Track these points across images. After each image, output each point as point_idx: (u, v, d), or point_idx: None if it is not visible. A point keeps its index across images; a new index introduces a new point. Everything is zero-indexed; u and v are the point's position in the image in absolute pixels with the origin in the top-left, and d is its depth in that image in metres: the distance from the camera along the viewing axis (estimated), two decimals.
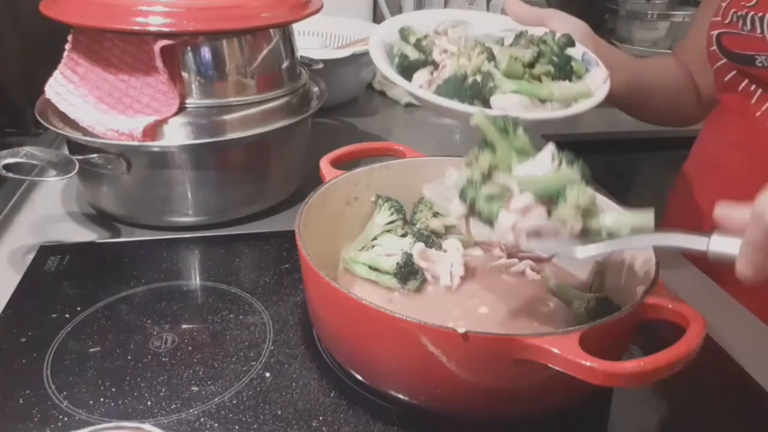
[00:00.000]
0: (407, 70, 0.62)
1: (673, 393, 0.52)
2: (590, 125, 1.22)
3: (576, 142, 1.14)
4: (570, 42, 0.63)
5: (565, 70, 0.61)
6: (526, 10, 0.72)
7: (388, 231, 0.59)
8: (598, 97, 0.60)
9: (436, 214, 0.61)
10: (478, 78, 0.59)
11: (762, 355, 0.56)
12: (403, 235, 0.59)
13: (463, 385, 0.42)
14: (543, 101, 0.60)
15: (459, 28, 0.67)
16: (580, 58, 0.66)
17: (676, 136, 1.05)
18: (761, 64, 0.67)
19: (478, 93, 0.59)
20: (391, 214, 0.59)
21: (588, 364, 0.37)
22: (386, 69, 0.61)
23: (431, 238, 0.59)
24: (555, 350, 0.38)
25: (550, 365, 0.38)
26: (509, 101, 0.58)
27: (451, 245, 0.58)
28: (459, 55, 0.61)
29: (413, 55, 0.63)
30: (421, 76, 0.63)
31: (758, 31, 0.67)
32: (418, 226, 0.60)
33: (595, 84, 0.63)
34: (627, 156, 1.23)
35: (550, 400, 0.45)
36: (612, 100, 0.82)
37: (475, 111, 0.52)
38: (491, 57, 0.60)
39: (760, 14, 0.67)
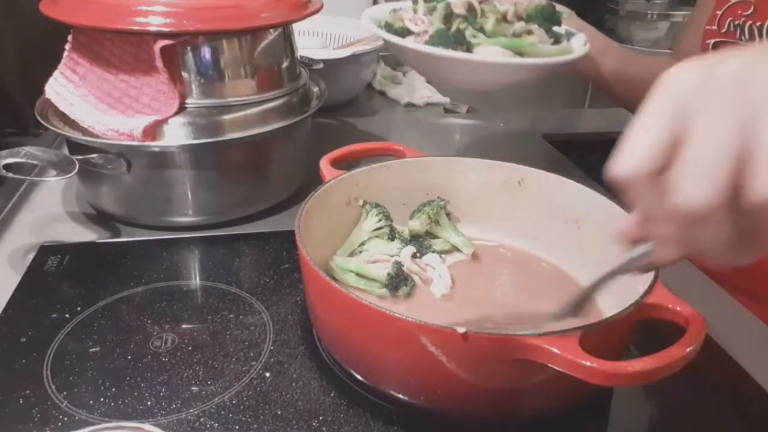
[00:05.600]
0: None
1: (673, 393, 0.51)
2: (590, 125, 1.22)
3: (576, 142, 1.14)
4: (551, 7, 0.69)
5: (550, 20, 0.67)
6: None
7: (376, 237, 0.59)
8: (578, 53, 0.64)
9: (436, 221, 0.61)
10: (462, 26, 0.66)
11: (762, 355, 0.56)
12: (391, 239, 0.59)
13: (463, 385, 0.42)
14: (523, 56, 0.65)
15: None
16: (563, 32, 0.71)
17: None
18: None
19: (462, 39, 0.65)
20: (379, 220, 0.59)
21: (588, 364, 0.37)
22: (378, 31, 0.68)
23: (423, 240, 0.59)
24: (555, 350, 0.38)
25: (550, 365, 0.38)
26: (492, 51, 0.64)
27: (435, 259, 0.58)
28: (436, 19, 0.67)
29: (396, 23, 0.69)
30: (409, 40, 0.69)
31: (757, 40, 0.67)
32: (416, 226, 0.60)
33: (576, 46, 0.67)
34: None
35: (550, 400, 0.45)
36: (599, 83, 0.82)
37: (461, 56, 0.62)
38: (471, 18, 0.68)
39: (758, 23, 0.66)
